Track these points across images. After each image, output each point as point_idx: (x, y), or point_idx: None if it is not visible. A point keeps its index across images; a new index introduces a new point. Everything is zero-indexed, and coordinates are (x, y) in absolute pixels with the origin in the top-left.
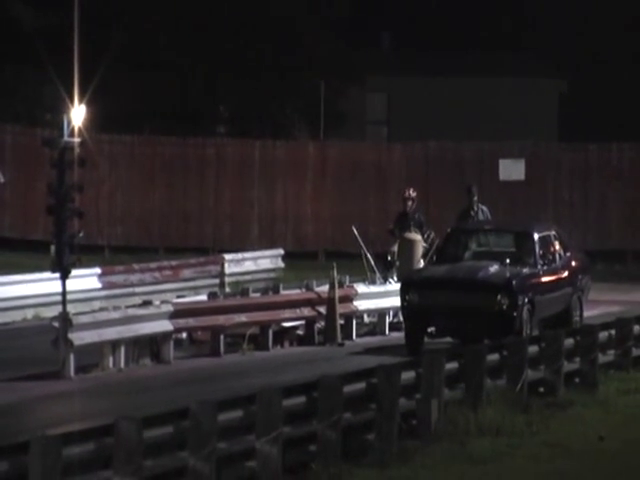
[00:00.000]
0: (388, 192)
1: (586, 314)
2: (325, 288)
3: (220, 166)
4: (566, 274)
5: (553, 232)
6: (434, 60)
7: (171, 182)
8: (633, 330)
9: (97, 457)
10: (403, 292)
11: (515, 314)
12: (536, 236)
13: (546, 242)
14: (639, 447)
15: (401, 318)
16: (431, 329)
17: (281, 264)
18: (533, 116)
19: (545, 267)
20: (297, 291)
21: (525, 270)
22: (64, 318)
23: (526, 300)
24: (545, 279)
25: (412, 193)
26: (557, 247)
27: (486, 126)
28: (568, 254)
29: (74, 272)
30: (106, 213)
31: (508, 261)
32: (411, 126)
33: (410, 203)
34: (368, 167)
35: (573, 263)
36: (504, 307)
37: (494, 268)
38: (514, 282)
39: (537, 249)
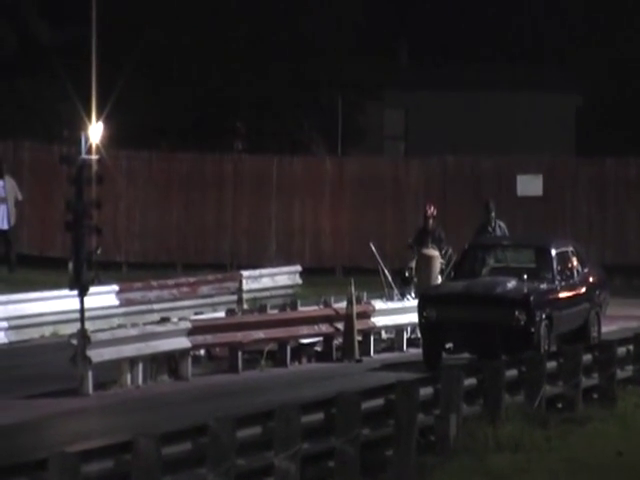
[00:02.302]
0: (406, 208)
1: (604, 329)
2: (343, 304)
3: (237, 182)
4: (584, 289)
5: (571, 248)
6: (451, 75)
7: (189, 198)
8: None
9: (115, 474)
10: (421, 308)
11: (533, 330)
12: (554, 252)
13: (564, 258)
14: None
15: (419, 334)
16: (449, 345)
17: (299, 280)
18: (550, 130)
19: (563, 283)
20: (315, 307)
21: (543, 286)
22: (82, 335)
23: (544, 316)
24: (563, 295)
25: (434, 210)
26: (575, 262)
27: (503, 140)
28: (586, 269)
29: (92, 289)
30: (124, 229)
31: (526, 277)
32: (429, 141)
33: (431, 221)
34: (386, 183)
35: (591, 278)
36: (522, 323)
37: (512, 284)
38: (532, 298)
39: (555, 265)
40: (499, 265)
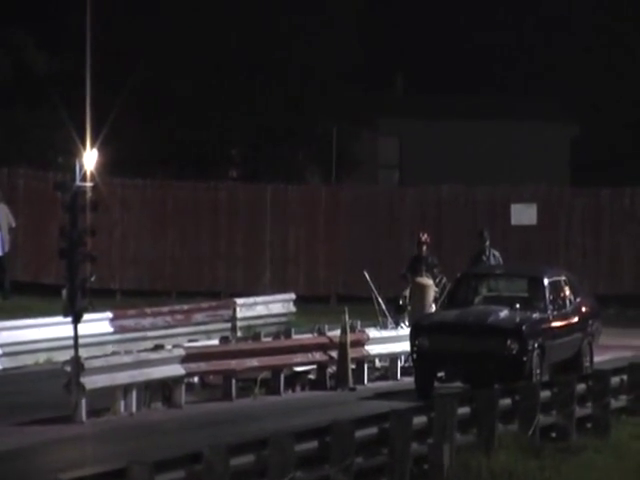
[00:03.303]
0: (400, 236)
1: (598, 359)
2: (337, 332)
3: (232, 210)
4: (576, 319)
5: (563, 277)
6: (446, 104)
7: (183, 226)
8: None
9: None
10: (413, 336)
11: (525, 359)
12: (546, 281)
13: (556, 287)
14: None
15: (412, 362)
16: (441, 374)
17: (293, 308)
18: (545, 160)
19: (555, 312)
20: (309, 335)
21: (535, 315)
22: (76, 362)
23: (536, 345)
24: (555, 324)
25: (427, 238)
26: (567, 292)
27: (498, 170)
28: (578, 299)
29: (86, 316)
30: (118, 257)
31: (518, 306)
32: (423, 170)
33: (425, 247)
34: (380, 211)
35: (583, 308)
36: (514, 352)
37: (504, 313)
38: (524, 327)
39: (547, 294)
40: (492, 294)
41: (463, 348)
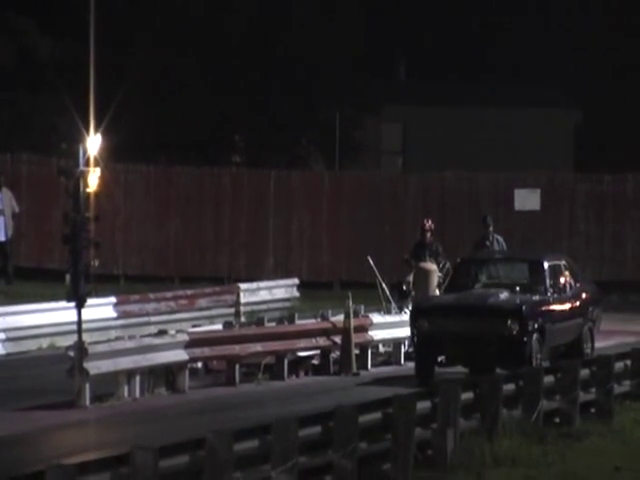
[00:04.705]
0: (404, 222)
1: (601, 344)
2: (340, 318)
3: (235, 196)
4: (577, 304)
5: (563, 262)
6: (449, 91)
7: (186, 212)
8: None
9: None
10: (413, 320)
11: (525, 340)
12: (546, 265)
13: (556, 271)
14: None
15: (412, 346)
16: (441, 358)
17: (296, 294)
18: (549, 147)
19: (555, 295)
20: (312, 321)
21: (535, 297)
22: (80, 347)
23: (536, 326)
24: (555, 307)
25: (432, 224)
26: (567, 277)
27: (502, 156)
28: (579, 285)
29: (90, 301)
30: (121, 242)
31: (518, 289)
32: (426, 156)
33: (429, 234)
34: (384, 197)
35: (584, 294)
36: (514, 333)
37: (504, 295)
38: (524, 307)
39: (547, 278)
40: (491, 279)
41: (463, 330)
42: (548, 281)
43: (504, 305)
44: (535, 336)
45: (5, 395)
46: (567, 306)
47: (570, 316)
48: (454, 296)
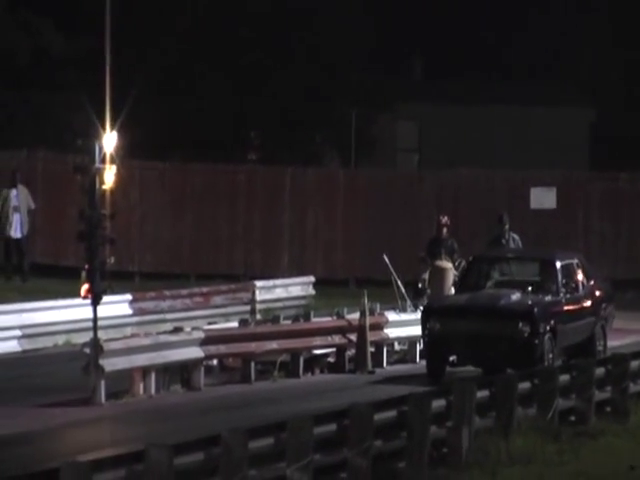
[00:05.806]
0: (419, 220)
1: (616, 343)
2: (356, 316)
3: (250, 193)
4: (589, 303)
5: (576, 260)
6: (465, 89)
7: (201, 209)
8: None
9: None
10: (424, 320)
11: (537, 342)
12: (558, 264)
13: (569, 270)
14: None
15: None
16: (452, 357)
17: (312, 291)
18: (564, 145)
19: (567, 295)
20: (328, 318)
21: (547, 298)
22: (95, 344)
23: (548, 328)
24: (567, 307)
25: (447, 220)
26: (580, 276)
27: (517, 155)
28: (591, 283)
29: (105, 298)
30: (137, 240)
31: (530, 289)
32: (442, 154)
33: (445, 230)
34: (399, 195)
35: (597, 292)
36: (525, 335)
37: (515, 296)
38: (536, 310)
39: (559, 277)
40: (503, 277)
41: (474, 331)
42: (560, 280)
43: (515, 307)
44: (546, 337)
45: (21, 392)
46: (579, 305)
47: (582, 315)
48: (465, 297)
